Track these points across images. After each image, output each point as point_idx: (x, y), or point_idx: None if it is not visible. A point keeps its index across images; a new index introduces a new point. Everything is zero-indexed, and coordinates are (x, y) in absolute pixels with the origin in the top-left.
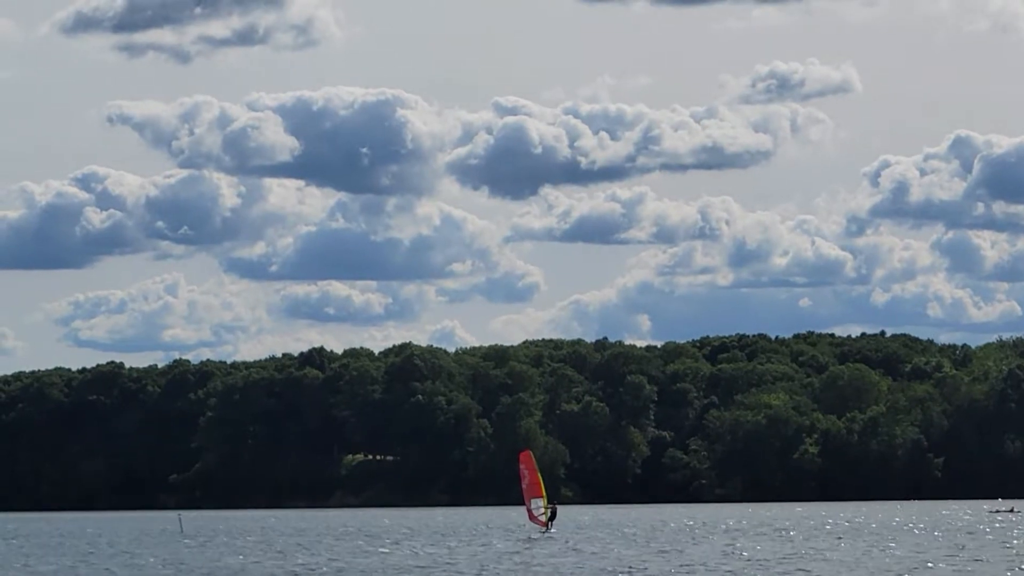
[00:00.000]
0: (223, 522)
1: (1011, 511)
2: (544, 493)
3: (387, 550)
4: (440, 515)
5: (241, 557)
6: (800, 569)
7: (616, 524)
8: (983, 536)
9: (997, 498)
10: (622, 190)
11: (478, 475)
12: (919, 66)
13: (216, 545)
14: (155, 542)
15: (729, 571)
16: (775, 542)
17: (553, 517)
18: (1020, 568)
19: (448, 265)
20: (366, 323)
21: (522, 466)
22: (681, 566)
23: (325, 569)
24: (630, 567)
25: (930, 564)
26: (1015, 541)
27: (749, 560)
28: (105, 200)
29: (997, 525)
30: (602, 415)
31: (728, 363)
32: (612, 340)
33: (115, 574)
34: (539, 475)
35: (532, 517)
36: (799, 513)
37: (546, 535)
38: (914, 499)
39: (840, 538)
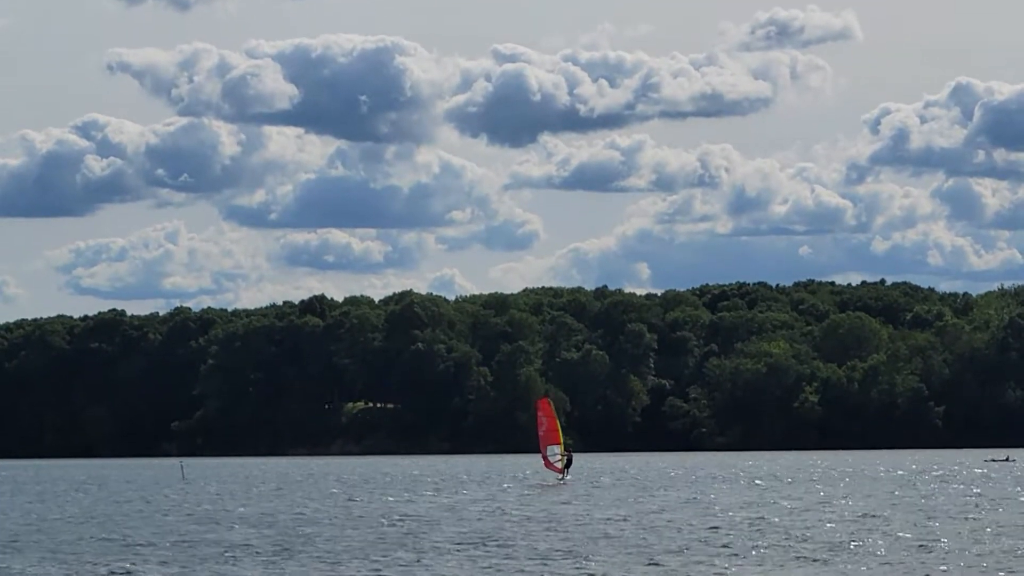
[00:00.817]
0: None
1: (1006, 459)
2: (561, 440)
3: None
4: (460, 463)
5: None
6: (759, 517)
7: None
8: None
9: (998, 447)
10: (621, 138)
11: (478, 423)
12: (919, 13)
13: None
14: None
15: (669, 520)
16: (747, 489)
17: (569, 464)
18: (970, 518)
19: (447, 213)
20: (366, 271)
21: (540, 413)
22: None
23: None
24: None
25: (878, 513)
26: (975, 490)
27: (701, 504)
28: (105, 148)
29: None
30: (602, 363)
31: (728, 311)
32: (612, 288)
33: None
34: (557, 422)
35: (548, 464)
36: (787, 462)
37: (561, 482)
38: (914, 448)
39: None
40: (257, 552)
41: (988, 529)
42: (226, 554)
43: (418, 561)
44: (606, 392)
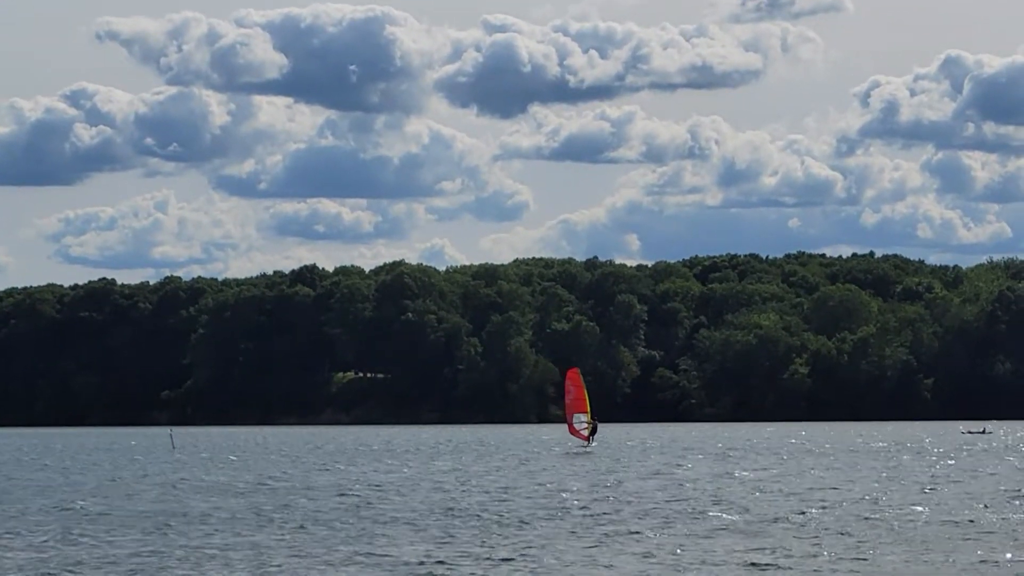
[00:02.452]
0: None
1: (983, 431)
2: (588, 409)
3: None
4: (445, 433)
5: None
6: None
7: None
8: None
9: (987, 419)
10: (611, 109)
11: (468, 394)
12: None
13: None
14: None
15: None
16: (716, 461)
17: (594, 432)
18: (928, 490)
19: (437, 183)
20: (355, 241)
21: (568, 382)
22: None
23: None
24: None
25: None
26: (934, 459)
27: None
28: (95, 117)
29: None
30: (592, 334)
31: (718, 283)
32: (602, 260)
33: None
34: (585, 392)
35: (573, 431)
36: (769, 433)
37: (587, 449)
38: (904, 420)
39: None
40: (188, 521)
41: (928, 507)
42: (160, 520)
43: (360, 535)
44: (596, 363)
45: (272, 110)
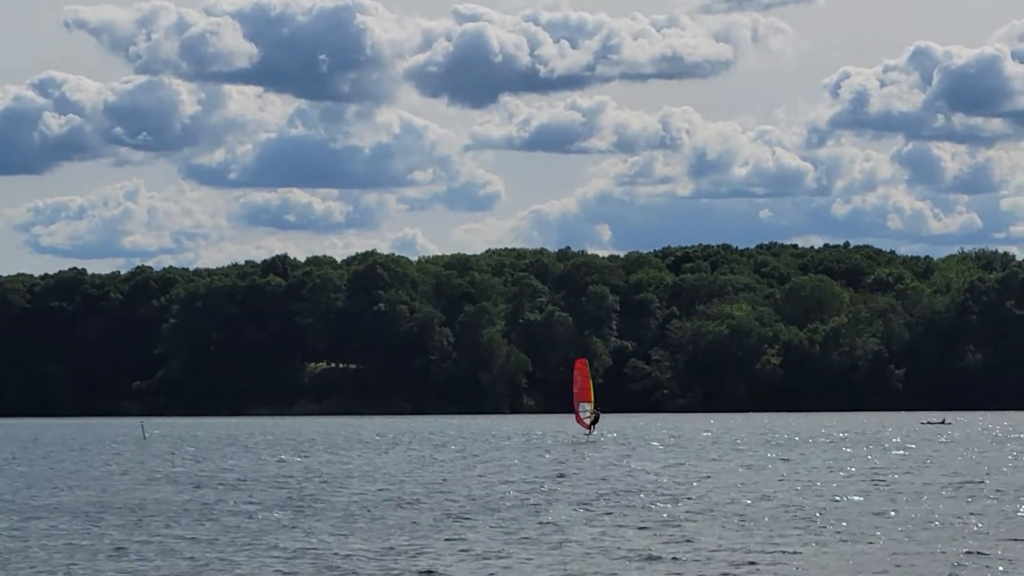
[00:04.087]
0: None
1: (942, 422)
2: (592, 399)
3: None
4: (433, 422)
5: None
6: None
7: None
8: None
9: (957, 410)
10: (582, 99)
11: (440, 384)
12: None
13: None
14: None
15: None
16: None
17: (596, 421)
18: (839, 481)
19: (409, 173)
20: (327, 231)
21: (576, 372)
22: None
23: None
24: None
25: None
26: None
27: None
28: (63, 105)
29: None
30: (564, 325)
31: (691, 273)
32: (574, 250)
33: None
34: (591, 382)
35: (579, 419)
36: (734, 424)
37: (588, 437)
38: (875, 410)
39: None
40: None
41: (843, 500)
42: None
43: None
44: (568, 353)
45: (242, 99)
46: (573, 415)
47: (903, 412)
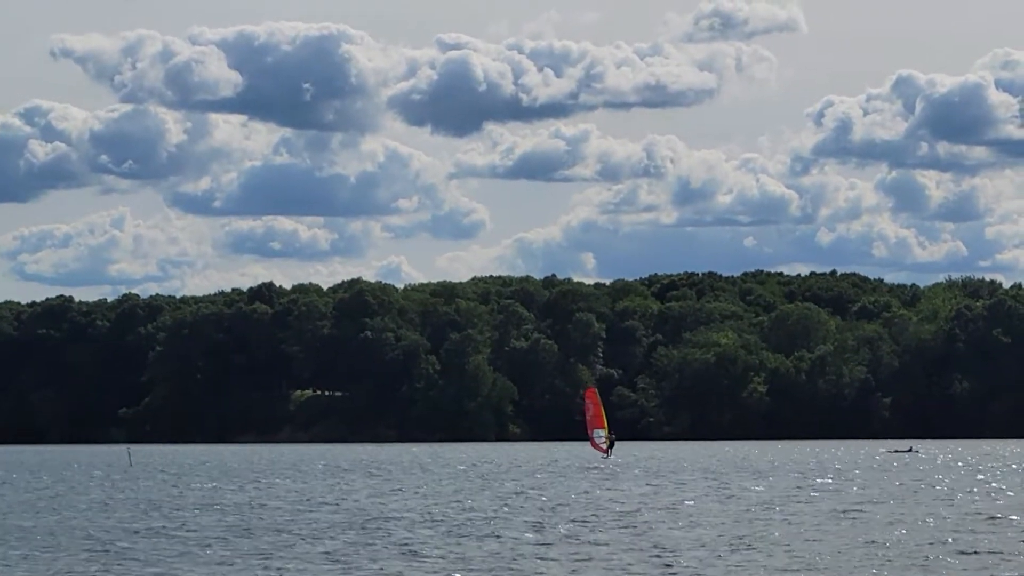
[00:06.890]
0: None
1: (908, 450)
2: (606, 424)
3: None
4: (416, 450)
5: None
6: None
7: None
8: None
9: (944, 438)
10: (566, 127)
11: (426, 411)
12: (863, 5)
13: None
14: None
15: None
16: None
17: (612, 446)
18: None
19: (393, 201)
20: (312, 259)
21: (588, 401)
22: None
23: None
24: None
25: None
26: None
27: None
28: (49, 134)
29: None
30: (550, 352)
31: (676, 301)
32: (559, 278)
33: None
34: (602, 409)
35: (594, 445)
36: (711, 452)
37: (605, 460)
38: (861, 438)
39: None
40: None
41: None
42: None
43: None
44: (554, 381)
45: (227, 128)
46: (588, 442)
47: (888, 440)
